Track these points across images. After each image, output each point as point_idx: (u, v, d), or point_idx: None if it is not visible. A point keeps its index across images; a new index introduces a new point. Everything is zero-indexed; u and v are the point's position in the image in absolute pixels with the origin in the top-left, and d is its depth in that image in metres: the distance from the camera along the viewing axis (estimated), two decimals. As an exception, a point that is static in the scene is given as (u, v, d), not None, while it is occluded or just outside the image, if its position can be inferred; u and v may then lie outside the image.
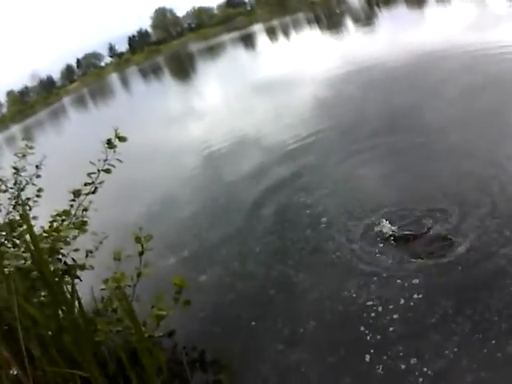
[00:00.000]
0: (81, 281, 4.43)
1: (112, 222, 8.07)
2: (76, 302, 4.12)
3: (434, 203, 5.72)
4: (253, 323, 4.68)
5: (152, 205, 9.43)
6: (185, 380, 4.24)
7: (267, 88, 19.14)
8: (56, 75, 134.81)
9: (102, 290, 4.18)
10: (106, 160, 4.62)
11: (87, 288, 4.39)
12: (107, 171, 4.64)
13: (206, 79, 33.29)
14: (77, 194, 4.74)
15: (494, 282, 4.17)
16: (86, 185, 4.74)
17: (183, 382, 4.23)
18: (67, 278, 4.31)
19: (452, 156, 6.95)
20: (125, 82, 66.24)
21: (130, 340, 4.06)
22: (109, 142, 4.58)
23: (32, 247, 3.90)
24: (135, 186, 11.16)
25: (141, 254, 4.19)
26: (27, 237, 4.15)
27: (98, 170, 4.66)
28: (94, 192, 4.77)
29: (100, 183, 4.76)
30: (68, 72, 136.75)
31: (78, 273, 4.47)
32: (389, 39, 22.63)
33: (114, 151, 4.60)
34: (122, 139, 4.59)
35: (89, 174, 4.68)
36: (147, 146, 14.75)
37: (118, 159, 4.60)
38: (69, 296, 4.07)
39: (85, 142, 18.82)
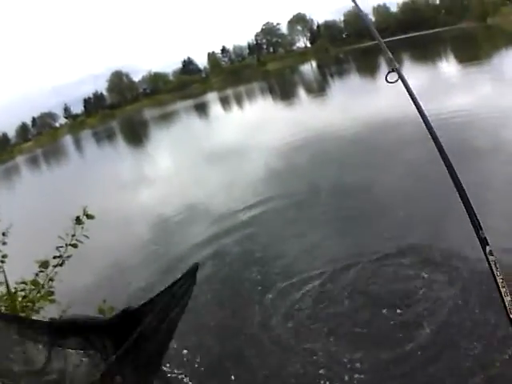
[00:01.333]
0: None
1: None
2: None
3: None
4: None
5: (104, 276, 9.50)
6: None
7: (219, 156, 19.65)
8: (11, 133, 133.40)
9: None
10: (73, 235, 5.05)
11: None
12: (74, 246, 5.07)
13: (159, 146, 33.74)
14: (44, 265, 5.06)
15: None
16: (54, 258, 5.09)
17: None
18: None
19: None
20: (78, 145, 65.68)
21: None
22: (77, 219, 5.06)
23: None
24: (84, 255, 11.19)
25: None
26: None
27: (66, 245, 5.07)
28: (61, 264, 5.12)
29: (68, 257, 5.14)
30: (23, 130, 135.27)
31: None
32: (341, 108, 24.01)
33: (82, 227, 5.06)
34: (89, 217, 5.09)
35: (57, 248, 5.08)
36: (98, 214, 14.67)
37: (85, 235, 5.06)
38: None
39: (40, 206, 19.27)
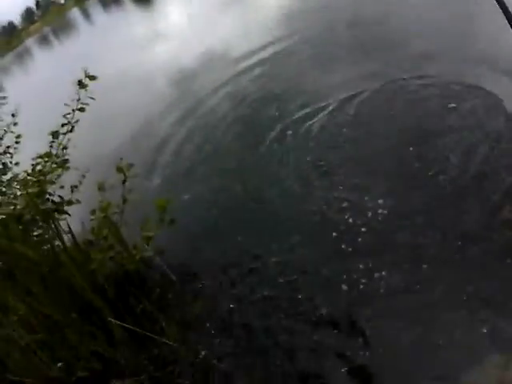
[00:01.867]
0: (70, 216, 4.57)
1: (94, 155, 8.22)
2: (69, 236, 4.33)
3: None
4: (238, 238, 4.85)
5: (131, 132, 9.46)
6: (176, 293, 4.45)
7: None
8: (17, 20, 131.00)
9: (92, 220, 4.41)
10: (78, 99, 4.76)
11: (78, 221, 4.60)
12: (81, 110, 4.78)
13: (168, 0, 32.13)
14: (55, 135, 4.85)
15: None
16: (62, 126, 4.86)
17: (174, 295, 4.44)
18: (57, 216, 4.47)
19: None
20: (86, 16, 63.97)
21: (123, 263, 4.28)
22: (80, 83, 4.70)
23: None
24: (111, 117, 11.04)
25: (124, 182, 4.43)
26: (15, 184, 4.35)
27: (73, 110, 4.80)
28: (71, 131, 4.89)
29: (76, 122, 4.88)
30: (28, 14, 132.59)
31: (67, 208, 4.60)
32: None
33: (86, 90, 4.72)
34: (91, 78, 4.71)
35: (64, 115, 4.83)
36: (117, 76, 14.59)
37: (90, 97, 4.73)
38: (61, 232, 4.28)
39: (56, 81, 18.71)
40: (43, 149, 4.87)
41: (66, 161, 4.83)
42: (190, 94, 10.22)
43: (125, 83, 13.80)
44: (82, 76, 4.72)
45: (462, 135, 4.86)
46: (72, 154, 4.93)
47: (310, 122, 6.40)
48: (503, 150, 4.45)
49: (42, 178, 4.39)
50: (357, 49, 8.42)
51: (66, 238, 4.40)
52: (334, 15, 10.77)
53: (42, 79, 25.35)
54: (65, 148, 4.90)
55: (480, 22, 6.93)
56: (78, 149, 4.95)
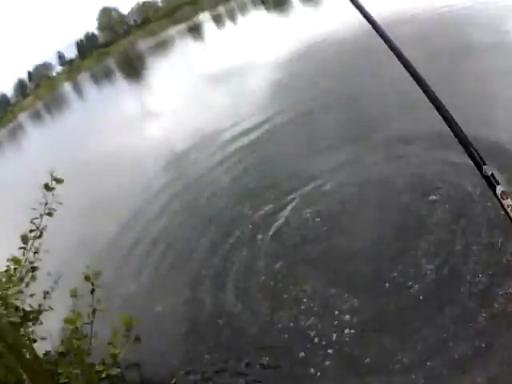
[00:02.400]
0: (41, 324, 4.50)
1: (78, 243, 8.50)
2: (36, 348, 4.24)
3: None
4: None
5: (118, 222, 9.29)
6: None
7: (220, 78, 19.23)
8: (10, 92, 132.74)
9: (62, 330, 4.33)
10: (46, 204, 4.69)
11: (53, 328, 4.52)
12: (49, 215, 4.71)
13: (158, 77, 33.26)
14: (25, 240, 4.75)
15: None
16: (31, 231, 4.76)
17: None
18: (28, 324, 4.38)
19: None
20: (78, 90, 65.41)
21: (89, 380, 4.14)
22: (46, 186, 4.65)
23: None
24: (97, 202, 10.93)
25: (92, 291, 4.32)
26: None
27: (41, 215, 4.72)
28: (39, 236, 4.79)
29: (44, 228, 4.79)
30: (21, 87, 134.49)
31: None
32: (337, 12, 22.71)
33: (53, 194, 4.67)
34: (58, 181, 4.66)
35: (31, 221, 4.74)
36: (106, 156, 14.87)
37: (58, 202, 4.68)
38: (29, 343, 4.18)
39: (46, 162, 18.91)
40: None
41: (35, 268, 4.72)
42: (167, 187, 10.17)
43: (113, 165, 13.85)
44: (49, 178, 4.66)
45: (439, 233, 4.82)
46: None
47: (280, 222, 6.40)
48: (480, 247, 4.38)
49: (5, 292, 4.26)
50: (337, 132, 8.72)
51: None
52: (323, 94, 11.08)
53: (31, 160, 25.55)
54: (36, 252, 4.78)
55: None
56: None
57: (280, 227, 6.28)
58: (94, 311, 4.31)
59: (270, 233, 6.25)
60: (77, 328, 4.07)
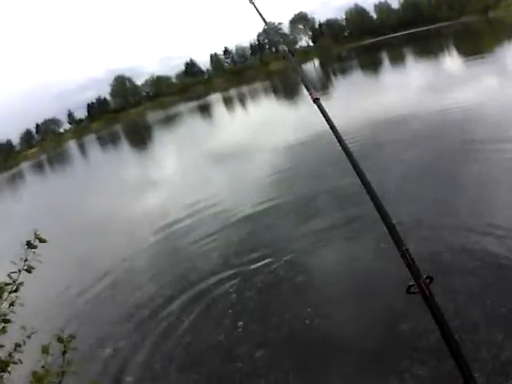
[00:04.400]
0: (9, 374, 4.37)
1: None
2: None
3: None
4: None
5: (100, 286, 9.32)
6: None
7: (224, 158, 19.62)
8: (15, 140, 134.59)
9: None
10: (26, 260, 4.50)
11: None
12: (28, 271, 4.52)
13: (164, 150, 33.65)
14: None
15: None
16: (6, 285, 4.57)
17: None
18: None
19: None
20: (83, 150, 66.22)
21: None
22: (28, 243, 4.53)
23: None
24: (84, 264, 10.95)
25: (64, 353, 4.19)
26: None
27: (19, 270, 4.53)
28: (16, 291, 4.57)
29: (20, 283, 4.58)
30: (27, 137, 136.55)
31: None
32: (345, 106, 23.37)
33: (34, 252, 4.53)
34: (41, 241, 4.51)
35: (9, 275, 4.54)
36: (101, 219, 15.02)
37: (38, 260, 4.46)
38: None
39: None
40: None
41: (7, 321, 4.50)
42: (150, 254, 10.35)
43: (101, 227, 14.03)
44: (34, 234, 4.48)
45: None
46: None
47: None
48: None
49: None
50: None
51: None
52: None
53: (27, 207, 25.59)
54: (12, 305, 4.57)
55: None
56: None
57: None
58: (63, 373, 4.16)
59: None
60: (43, 386, 3.93)
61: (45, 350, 4.20)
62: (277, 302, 6.57)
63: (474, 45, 39.37)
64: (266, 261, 7.93)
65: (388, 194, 8.48)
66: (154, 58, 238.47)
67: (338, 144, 2.76)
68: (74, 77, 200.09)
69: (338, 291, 6.43)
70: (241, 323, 6.31)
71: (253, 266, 7.91)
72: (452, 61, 30.08)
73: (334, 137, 2.86)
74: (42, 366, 4.05)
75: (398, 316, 5.26)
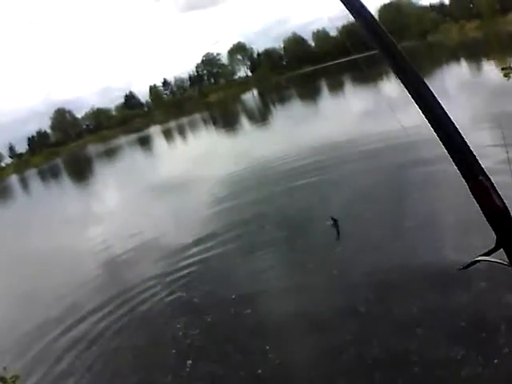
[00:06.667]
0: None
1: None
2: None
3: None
4: None
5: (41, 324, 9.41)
6: None
7: (163, 190, 20.09)
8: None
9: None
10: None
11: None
12: None
13: (104, 183, 33.79)
14: None
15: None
16: None
17: None
18: None
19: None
20: (24, 184, 64.49)
21: None
22: (2, 379, 4.62)
23: None
24: (28, 301, 11.20)
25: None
26: None
27: None
28: None
29: None
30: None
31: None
32: (283, 136, 24.58)
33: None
34: (14, 377, 4.64)
35: None
36: (41, 254, 15.30)
37: None
38: None
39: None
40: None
41: None
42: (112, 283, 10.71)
43: (47, 264, 14.09)
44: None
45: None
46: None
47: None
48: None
49: None
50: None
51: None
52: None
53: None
54: None
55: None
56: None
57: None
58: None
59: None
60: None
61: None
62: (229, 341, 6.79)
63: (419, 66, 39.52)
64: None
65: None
66: (95, 88, 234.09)
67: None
68: (15, 108, 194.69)
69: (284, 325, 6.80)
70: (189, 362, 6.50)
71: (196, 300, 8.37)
72: (391, 85, 28.72)
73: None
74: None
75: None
